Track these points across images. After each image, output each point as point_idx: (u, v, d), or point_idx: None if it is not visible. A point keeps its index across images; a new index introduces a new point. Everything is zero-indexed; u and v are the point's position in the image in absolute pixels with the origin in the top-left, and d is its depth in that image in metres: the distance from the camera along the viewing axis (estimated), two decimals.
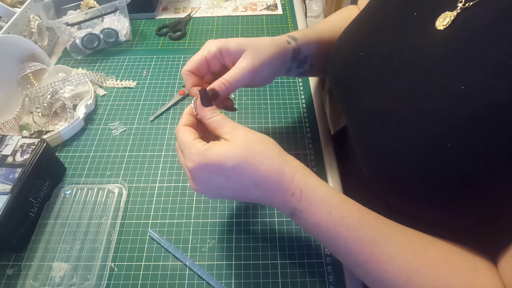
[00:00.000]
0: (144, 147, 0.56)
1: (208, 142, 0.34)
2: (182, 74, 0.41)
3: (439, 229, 0.33)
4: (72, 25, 0.69)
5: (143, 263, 0.43)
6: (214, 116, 0.35)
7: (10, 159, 0.45)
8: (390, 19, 0.38)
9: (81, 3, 0.74)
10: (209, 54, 0.40)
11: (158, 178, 0.52)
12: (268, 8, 0.85)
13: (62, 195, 0.49)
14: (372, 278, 0.32)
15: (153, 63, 0.71)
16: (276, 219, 0.47)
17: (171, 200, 0.49)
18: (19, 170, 0.43)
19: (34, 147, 0.46)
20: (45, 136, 0.53)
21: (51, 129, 0.58)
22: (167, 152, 0.55)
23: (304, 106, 0.62)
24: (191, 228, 0.47)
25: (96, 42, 0.71)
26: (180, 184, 0.51)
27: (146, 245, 0.45)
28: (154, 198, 0.50)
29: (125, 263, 0.43)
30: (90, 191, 0.49)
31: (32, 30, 0.68)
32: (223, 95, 0.38)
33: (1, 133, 0.54)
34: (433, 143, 0.29)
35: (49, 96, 0.59)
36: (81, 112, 0.58)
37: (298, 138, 0.57)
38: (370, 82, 0.37)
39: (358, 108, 0.39)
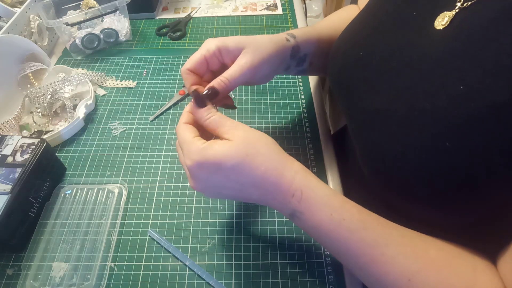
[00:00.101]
0: (144, 147, 0.56)
1: (208, 140, 0.34)
2: (182, 73, 0.41)
3: (439, 229, 0.33)
4: (72, 25, 0.69)
5: (143, 263, 0.43)
6: (211, 116, 0.35)
7: (10, 159, 0.45)
8: (390, 19, 0.38)
9: (81, 3, 0.74)
10: (208, 53, 0.40)
11: (158, 178, 0.52)
12: (268, 8, 0.85)
13: (62, 195, 0.49)
14: (373, 279, 0.32)
15: (153, 63, 0.71)
16: (276, 219, 0.47)
17: (171, 200, 0.49)
18: (19, 170, 0.43)
19: (34, 147, 0.46)
20: (45, 136, 0.53)
21: (51, 129, 0.58)
22: (167, 152, 0.55)
23: (304, 106, 0.62)
24: (191, 228, 0.47)
25: (96, 42, 0.72)
26: (180, 184, 0.51)
27: (146, 245, 0.45)
28: (154, 198, 0.50)
29: (125, 263, 0.43)
30: (90, 191, 0.49)
31: (32, 30, 0.68)
32: (223, 93, 0.38)
33: (1, 133, 0.54)
34: (433, 143, 0.29)
35: (49, 96, 0.59)
36: (81, 112, 0.58)
37: (298, 138, 0.57)
38: (370, 81, 0.37)
39: (358, 108, 0.38)
